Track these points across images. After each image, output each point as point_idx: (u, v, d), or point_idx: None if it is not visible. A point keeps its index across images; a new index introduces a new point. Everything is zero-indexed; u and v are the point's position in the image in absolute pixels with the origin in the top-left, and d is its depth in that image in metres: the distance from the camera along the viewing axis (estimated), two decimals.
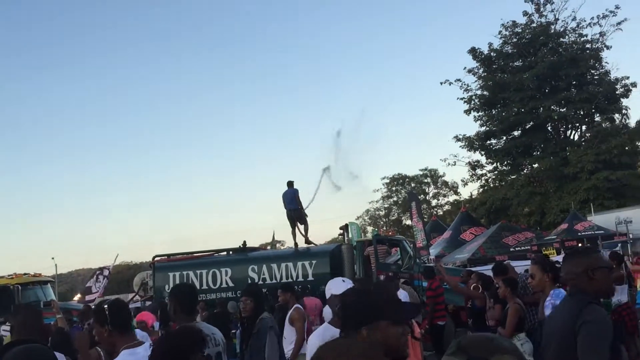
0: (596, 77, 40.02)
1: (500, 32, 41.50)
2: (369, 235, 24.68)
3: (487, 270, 16.02)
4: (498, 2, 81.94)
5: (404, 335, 2.62)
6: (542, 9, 40.86)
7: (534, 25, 40.90)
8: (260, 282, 15.92)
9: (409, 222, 49.22)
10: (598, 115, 39.94)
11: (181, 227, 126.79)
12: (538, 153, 40.53)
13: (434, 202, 68.37)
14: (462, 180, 47.42)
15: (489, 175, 44.68)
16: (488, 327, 8.39)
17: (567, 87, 39.17)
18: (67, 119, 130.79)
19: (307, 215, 18.12)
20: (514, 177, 41.98)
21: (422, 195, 63.79)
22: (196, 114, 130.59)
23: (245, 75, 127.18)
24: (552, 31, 40.59)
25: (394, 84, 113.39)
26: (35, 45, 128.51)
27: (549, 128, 41.26)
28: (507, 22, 41.29)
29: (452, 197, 65.03)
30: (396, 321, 2.58)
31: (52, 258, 77.77)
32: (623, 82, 39.16)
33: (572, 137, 41.30)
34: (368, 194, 65.06)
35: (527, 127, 40.78)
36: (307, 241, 18.21)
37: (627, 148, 36.67)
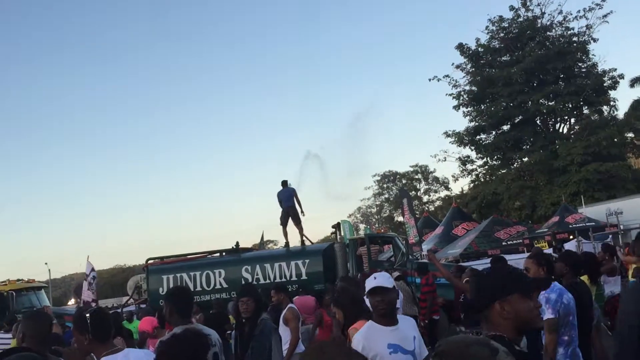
0: (584, 70, 40.18)
1: (487, 27, 41.71)
2: (362, 233, 24.76)
3: (479, 265, 16.14)
4: None
5: (536, 308, 2.79)
6: (528, 3, 41.05)
7: (521, 19, 41.06)
8: (254, 282, 15.89)
9: (400, 218, 49.28)
10: (586, 107, 40.10)
11: (174, 230, 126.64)
12: (528, 147, 40.69)
13: (425, 198, 68.62)
14: (453, 176, 47.64)
15: (479, 170, 44.86)
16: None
17: (555, 81, 39.33)
18: (59, 126, 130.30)
19: (304, 214, 18.10)
20: (504, 171, 42.14)
21: (413, 192, 64.01)
22: (189, 118, 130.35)
23: (232, 79, 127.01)
24: (539, 25, 40.74)
25: (382, 82, 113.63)
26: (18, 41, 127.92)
27: (537, 122, 41.42)
28: (494, 17, 41.54)
29: (443, 193, 65.38)
30: (526, 294, 2.75)
31: (46, 263, 77.25)
32: (610, 74, 39.35)
33: (561, 130, 41.48)
34: (359, 191, 65.24)
35: (516, 121, 40.93)
36: (303, 240, 18.19)
37: (615, 140, 36.84)
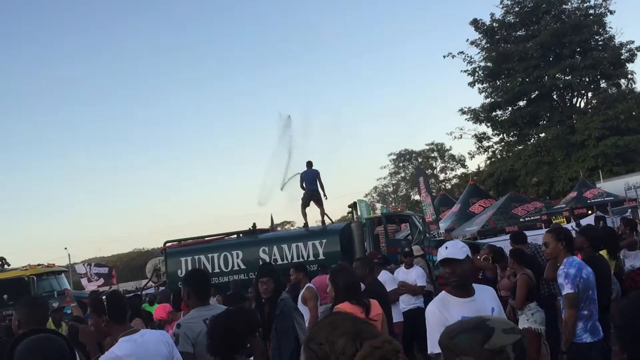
0: (600, 43, 39.66)
1: (502, 1, 41.18)
2: (378, 212, 24.74)
3: (496, 241, 16.06)
4: None
5: None
6: None
7: None
8: (272, 263, 15.93)
9: (417, 197, 49.18)
10: (604, 81, 39.66)
11: (191, 212, 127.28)
12: (544, 122, 40.33)
13: (441, 176, 68.37)
14: (469, 153, 47.40)
15: (495, 146, 44.60)
16: (499, 297, 8.40)
17: (571, 55, 38.85)
18: (77, 110, 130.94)
19: (326, 198, 18.10)
20: (521, 147, 41.84)
21: (429, 170, 63.75)
22: (204, 100, 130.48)
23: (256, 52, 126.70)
24: None
25: (396, 59, 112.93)
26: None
27: (554, 97, 41.01)
28: None
29: (459, 171, 65.02)
30: None
31: (65, 248, 77.96)
32: (628, 46, 38.79)
33: (578, 105, 41.06)
34: (375, 171, 65.20)
35: (533, 96, 40.54)
36: (324, 220, 18.22)
37: (634, 113, 36.43)
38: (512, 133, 42.35)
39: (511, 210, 27.26)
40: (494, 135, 43.77)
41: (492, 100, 41.49)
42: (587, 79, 39.32)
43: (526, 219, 26.37)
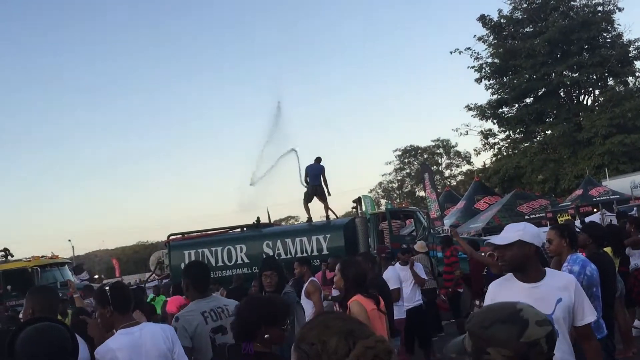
0: (608, 40, 39.40)
1: None
2: (383, 208, 24.66)
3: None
4: None
5: None
6: None
7: None
8: (275, 257, 15.93)
9: (422, 193, 49.14)
10: (611, 78, 39.42)
11: (195, 206, 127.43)
12: (551, 119, 40.15)
13: (447, 173, 68.32)
14: (475, 150, 47.17)
15: (501, 143, 44.42)
16: None
17: (579, 52, 38.63)
18: (81, 103, 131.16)
19: (330, 194, 18.10)
20: (527, 144, 41.67)
21: (434, 166, 63.71)
22: (205, 94, 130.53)
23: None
24: None
25: (403, 55, 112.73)
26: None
27: (561, 94, 40.81)
28: None
29: (465, 167, 64.97)
30: None
31: (69, 240, 78.40)
32: (636, 44, 38.52)
33: (585, 102, 40.85)
34: (380, 166, 65.20)
35: (539, 93, 40.34)
36: (328, 215, 18.23)
37: None
38: (518, 130, 42.17)
39: (516, 208, 27.16)
40: (500, 132, 43.61)
41: (499, 96, 41.31)
42: (594, 77, 39.12)
43: (531, 216, 26.25)
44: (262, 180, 20.89)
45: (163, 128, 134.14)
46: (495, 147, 44.58)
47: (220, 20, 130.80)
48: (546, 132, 40.27)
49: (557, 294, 3.65)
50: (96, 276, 28.06)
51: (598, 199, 24.27)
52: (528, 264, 3.70)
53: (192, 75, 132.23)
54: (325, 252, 16.04)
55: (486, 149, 45.04)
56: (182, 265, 16.72)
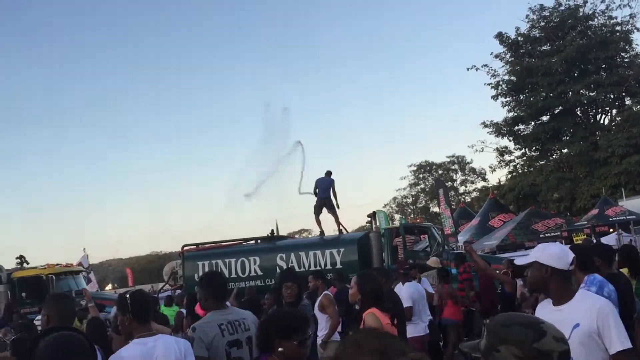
0: (626, 60, 39.28)
1: (527, 16, 40.94)
2: (397, 223, 24.65)
3: (515, 256, 15.93)
4: None
5: None
6: None
7: (562, 8, 40.21)
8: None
9: (436, 209, 48.93)
10: (629, 98, 39.21)
11: (209, 217, 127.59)
12: (567, 138, 39.98)
13: (461, 189, 68.01)
14: (490, 167, 47.00)
15: (517, 161, 44.25)
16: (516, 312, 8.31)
17: (596, 71, 38.52)
18: (100, 114, 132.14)
19: (339, 207, 18.14)
20: (542, 162, 41.49)
21: (449, 182, 63.45)
22: (223, 105, 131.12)
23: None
24: (581, 14, 39.87)
25: (420, 70, 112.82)
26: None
27: (578, 112, 40.64)
28: (535, 6, 40.65)
29: (479, 184, 64.60)
30: None
31: (84, 249, 78.81)
32: None
33: (602, 122, 40.64)
34: (394, 181, 65.11)
35: (556, 112, 40.20)
36: (340, 229, 18.24)
37: None
38: (534, 148, 41.99)
39: (531, 226, 27.02)
40: (516, 150, 43.46)
41: (515, 114, 41.21)
42: (611, 96, 38.93)
43: (546, 234, 26.09)
44: (259, 191, 20.95)
45: (180, 138, 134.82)
46: (511, 164, 44.43)
47: (233, 30, 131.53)
48: (562, 150, 40.08)
49: (576, 319, 3.56)
50: (108, 287, 28.01)
51: (614, 218, 24.07)
52: (548, 285, 3.68)
53: (206, 87, 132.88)
54: (338, 266, 16.02)
55: (501, 166, 44.90)
56: (196, 276, 16.75)
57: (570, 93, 38.56)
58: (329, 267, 16.03)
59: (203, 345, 4.73)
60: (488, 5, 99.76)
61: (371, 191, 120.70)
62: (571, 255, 3.72)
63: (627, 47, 39.23)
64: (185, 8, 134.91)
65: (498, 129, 41.64)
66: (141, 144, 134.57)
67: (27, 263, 21.82)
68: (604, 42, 37.72)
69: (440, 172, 67.38)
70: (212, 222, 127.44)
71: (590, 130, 39.07)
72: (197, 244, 18.83)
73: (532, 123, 41.30)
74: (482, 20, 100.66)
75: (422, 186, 69.19)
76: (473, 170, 67.12)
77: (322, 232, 18.51)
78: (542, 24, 40.51)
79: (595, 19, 39.97)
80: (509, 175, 44.72)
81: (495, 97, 41.54)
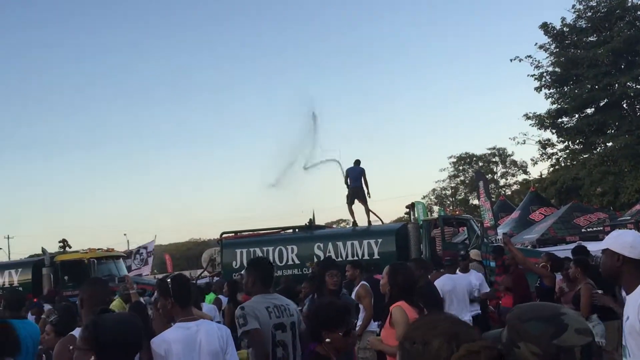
0: None
1: (573, 6, 40.06)
2: (435, 215, 24.47)
3: (556, 251, 15.70)
4: None
5: None
6: None
7: None
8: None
9: (475, 201, 48.51)
10: None
11: (247, 205, 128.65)
12: (612, 131, 39.09)
13: (502, 182, 67.34)
14: (532, 160, 46.36)
15: (560, 154, 43.56)
16: None
17: None
18: (139, 98, 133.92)
19: (370, 196, 18.09)
20: (586, 156, 40.73)
21: (489, 175, 62.85)
22: (260, 94, 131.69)
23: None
24: (629, 4, 38.86)
25: (462, 61, 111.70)
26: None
27: (624, 105, 39.73)
28: None
29: (520, 177, 63.88)
30: None
31: (125, 234, 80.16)
32: None
33: None
34: (434, 173, 64.77)
35: (601, 104, 39.35)
36: (370, 220, 18.17)
37: None
38: (577, 141, 41.23)
39: (573, 220, 26.55)
40: (559, 142, 42.76)
41: (559, 106, 40.46)
42: None
43: (588, 229, 25.62)
44: (285, 181, 21.13)
45: (223, 126, 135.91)
46: (553, 157, 43.78)
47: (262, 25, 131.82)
48: (607, 144, 39.27)
49: (627, 312, 3.49)
50: (147, 272, 28.32)
51: None
52: (619, 274, 3.59)
53: (248, 77, 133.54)
54: (376, 256, 15.99)
55: (544, 159, 44.25)
56: (234, 264, 16.94)
57: (616, 85, 37.70)
58: (366, 257, 16.00)
59: (254, 320, 4.77)
60: None
61: (410, 183, 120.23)
62: None
63: None
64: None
65: (541, 121, 41.00)
66: (182, 133, 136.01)
67: (70, 247, 22.25)
68: None
69: (480, 164, 66.79)
70: (250, 211, 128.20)
71: (637, 123, 38.15)
72: (235, 232, 18.99)
73: (576, 115, 40.52)
74: (527, 10, 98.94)
75: (462, 178, 68.69)
76: (514, 162, 66.41)
77: (355, 223, 18.51)
78: (589, 14, 39.62)
79: None
80: (551, 169, 44.08)
81: (538, 89, 40.87)
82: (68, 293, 18.17)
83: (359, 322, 7.87)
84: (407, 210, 19.27)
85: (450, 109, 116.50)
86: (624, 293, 3.73)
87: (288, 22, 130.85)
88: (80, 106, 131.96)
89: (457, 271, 10.63)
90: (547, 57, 40.81)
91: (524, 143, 44.00)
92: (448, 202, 68.96)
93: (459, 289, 9.92)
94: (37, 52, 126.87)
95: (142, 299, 11.04)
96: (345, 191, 18.16)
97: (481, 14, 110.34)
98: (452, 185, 70.06)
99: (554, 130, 41.50)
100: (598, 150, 40.48)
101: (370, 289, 8.33)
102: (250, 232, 18.88)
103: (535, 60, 40.72)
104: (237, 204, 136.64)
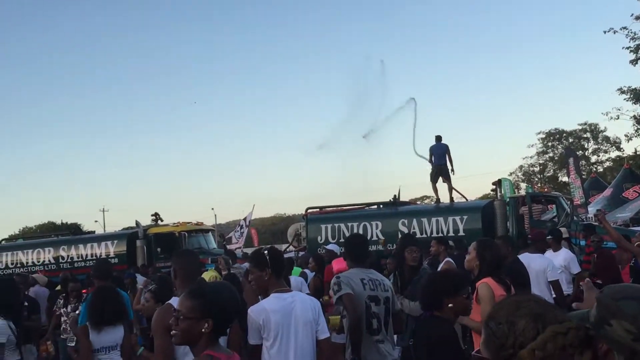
0: None
1: None
2: (523, 192, 24.00)
3: None
4: None
5: None
6: None
7: None
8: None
9: (565, 178, 47.08)
10: None
11: (332, 181, 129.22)
12: None
13: (593, 159, 65.03)
14: (626, 136, 44.41)
15: None
16: None
17: None
18: (228, 67, 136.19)
19: (454, 173, 17.90)
20: None
21: (580, 151, 60.76)
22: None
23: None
24: None
25: (553, 34, 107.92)
26: None
27: None
28: None
29: (613, 153, 61.42)
30: None
31: (212, 209, 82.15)
32: None
33: None
34: (522, 149, 63.19)
35: None
36: (452, 197, 17.98)
37: None
38: None
39: None
40: None
41: None
42: None
43: None
44: (375, 134, 21.02)
45: (308, 101, 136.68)
46: None
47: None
48: None
49: None
50: (234, 246, 29.00)
51: None
52: None
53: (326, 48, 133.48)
54: (461, 233, 15.83)
55: (638, 134, 42.42)
56: (319, 239, 17.14)
57: None
58: (451, 234, 15.87)
59: (348, 287, 4.96)
60: None
61: (496, 159, 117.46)
62: None
63: None
64: None
65: (636, 96, 39.23)
66: (266, 107, 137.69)
67: (162, 220, 22.97)
68: None
69: (570, 140, 64.69)
70: (335, 186, 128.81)
71: None
72: (320, 207, 19.17)
73: None
74: None
75: (551, 154, 66.72)
76: (607, 138, 63.88)
77: (438, 200, 18.38)
78: None
79: None
80: None
81: (634, 62, 39.03)
82: (160, 264, 18.90)
83: None
84: (494, 187, 18.97)
85: (539, 83, 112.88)
86: None
87: None
88: (172, 85, 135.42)
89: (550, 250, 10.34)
90: None
91: (618, 118, 42.25)
92: (536, 179, 67.13)
93: (532, 268, 9.70)
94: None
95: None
96: (429, 168, 18.06)
97: None
98: (541, 162, 68.17)
99: None
100: None
101: (455, 267, 8.32)
102: (335, 208, 19.02)
103: (631, 32, 38.90)
104: (321, 180, 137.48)
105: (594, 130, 64.40)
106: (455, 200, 18.09)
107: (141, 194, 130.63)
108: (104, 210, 69.85)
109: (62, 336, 9.41)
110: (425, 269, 6.63)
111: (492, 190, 19.61)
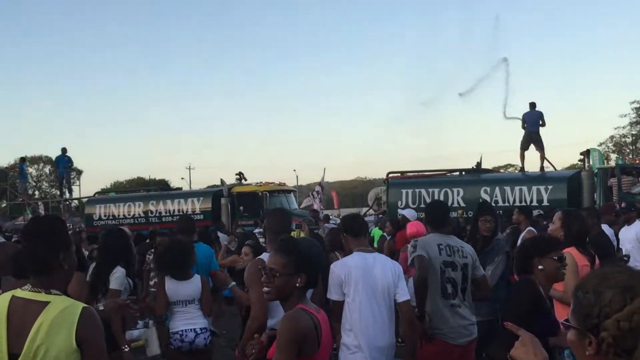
0: None
1: None
2: (612, 163, 23.16)
3: None
4: None
5: None
6: None
7: None
8: (492, 204, 15.69)
9: None
10: None
11: (413, 146, 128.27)
12: None
13: None
14: None
15: None
16: None
17: None
18: (313, 26, 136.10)
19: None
20: None
21: None
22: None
23: None
24: None
25: None
26: None
27: None
28: None
29: None
30: None
31: (294, 170, 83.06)
32: None
33: None
34: (613, 119, 60.78)
35: None
36: (542, 167, 17.59)
37: None
38: None
39: None
40: None
41: None
42: None
43: None
44: (472, 92, 20.59)
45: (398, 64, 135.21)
46: None
47: None
48: None
49: None
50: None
51: None
52: None
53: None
54: (545, 203, 15.51)
55: None
56: (399, 203, 17.14)
57: None
58: (534, 203, 15.55)
59: (422, 251, 5.08)
60: None
61: (586, 128, 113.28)
62: None
63: None
64: None
65: None
66: (350, 67, 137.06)
67: (245, 180, 23.42)
68: None
69: None
70: (417, 151, 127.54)
71: None
72: (401, 172, 19.13)
73: None
74: None
75: None
76: None
77: (522, 169, 18.02)
78: None
79: None
80: None
81: None
82: (243, 222, 19.37)
83: None
84: (582, 157, 18.44)
85: (634, 48, 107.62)
86: None
87: None
88: (259, 43, 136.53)
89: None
90: None
91: None
92: (627, 150, 64.58)
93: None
94: None
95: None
96: (520, 135, 17.67)
97: None
98: (634, 132, 65.40)
99: None
100: None
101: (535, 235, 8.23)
102: (416, 173, 18.95)
103: None
104: (402, 143, 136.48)
105: None
106: (545, 169, 17.72)
107: (227, 153, 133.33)
108: (189, 168, 71.64)
109: (151, 289, 9.87)
110: (499, 239, 6.53)
111: (580, 160, 19.08)
